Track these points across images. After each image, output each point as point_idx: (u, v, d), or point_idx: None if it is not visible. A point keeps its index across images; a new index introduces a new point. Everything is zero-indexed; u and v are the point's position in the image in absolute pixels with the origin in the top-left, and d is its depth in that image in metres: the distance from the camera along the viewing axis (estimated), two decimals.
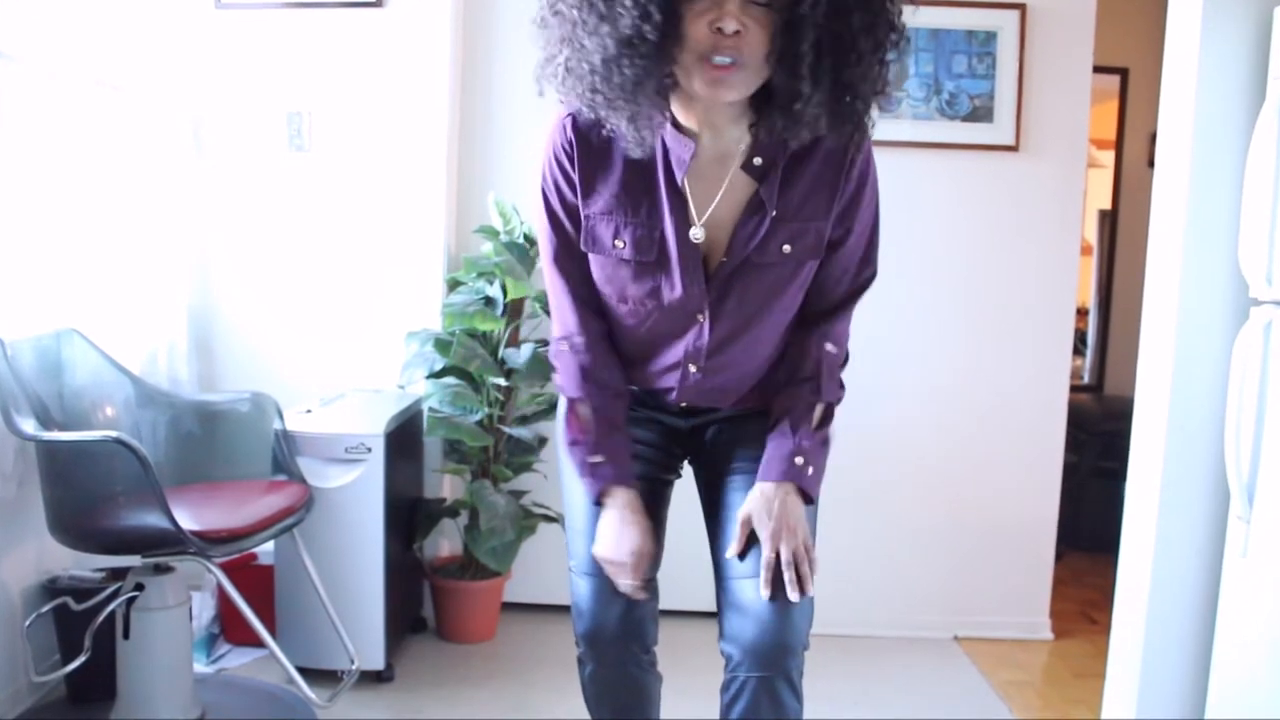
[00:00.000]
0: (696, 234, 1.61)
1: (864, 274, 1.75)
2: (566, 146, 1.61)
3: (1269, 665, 2.12)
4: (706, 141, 1.58)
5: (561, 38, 1.46)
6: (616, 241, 1.63)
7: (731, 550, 1.67)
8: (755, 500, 1.67)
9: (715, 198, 1.61)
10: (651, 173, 1.60)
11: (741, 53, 1.41)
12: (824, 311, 1.74)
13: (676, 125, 1.58)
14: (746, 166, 1.60)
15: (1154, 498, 2.43)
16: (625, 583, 1.68)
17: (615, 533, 1.68)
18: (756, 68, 1.43)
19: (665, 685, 1.92)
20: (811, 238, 1.64)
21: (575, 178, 1.63)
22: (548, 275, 1.75)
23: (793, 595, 1.60)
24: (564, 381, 1.77)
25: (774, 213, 1.60)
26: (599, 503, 1.73)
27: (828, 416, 1.74)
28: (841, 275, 1.72)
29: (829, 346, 1.74)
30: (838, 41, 1.40)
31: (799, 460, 1.68)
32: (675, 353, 1.73)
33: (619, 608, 1.74)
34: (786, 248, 1.63)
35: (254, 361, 3.37)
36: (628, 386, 1.79)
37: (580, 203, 1.64)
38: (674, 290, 1.65)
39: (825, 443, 1.74)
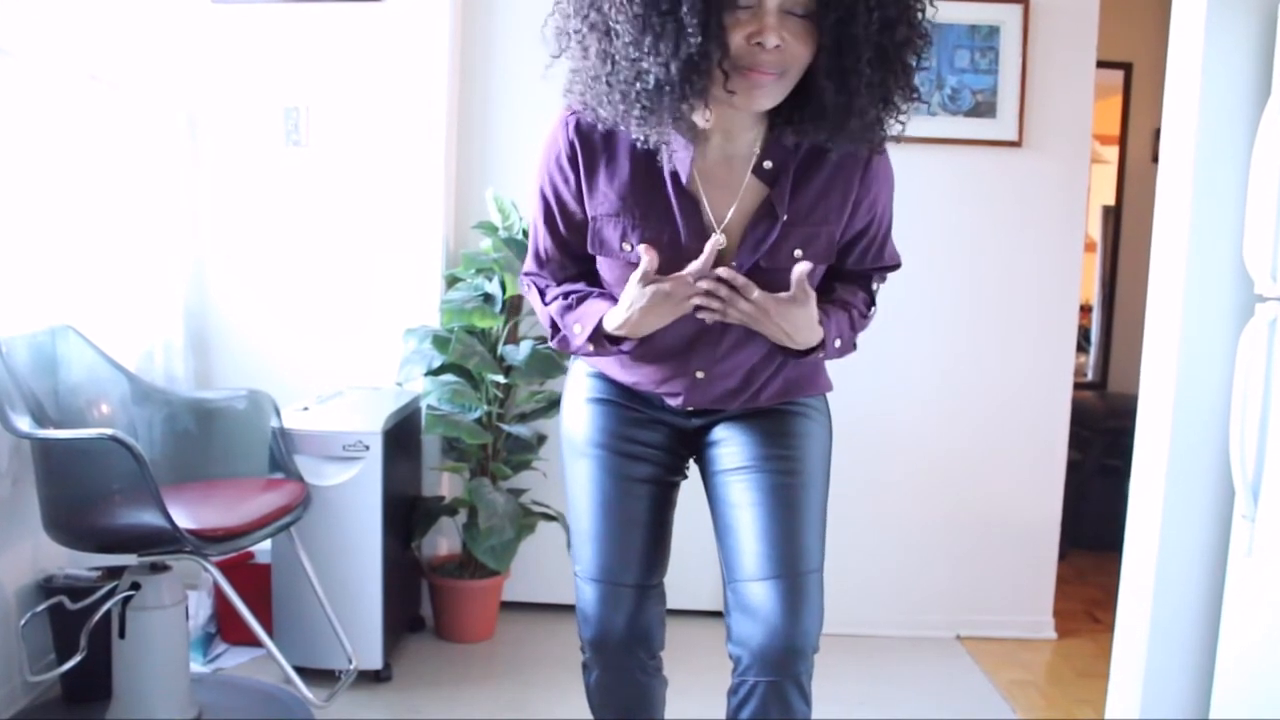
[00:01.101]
0: (719, 239, 1.56)
1: (887, 258, 1.77)
2: (569, 149, 1.59)
3: (1274, 664, 2.10)
4: (716, 143, 1.56)
5: (602, 53, 1.42)
6: (624, 244, 1.60)
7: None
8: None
9: (730, 202, 1.58)
10: (659, 174, 1.57)
11: (783, 65, 1.41)
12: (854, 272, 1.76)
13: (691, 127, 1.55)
14: (757, 170, 1.57)
15: (1158, 496, 2.42)
16: (687, 286, 1.50)
17: (638, 293, 1.54)
18: (794, 79, 1.43)
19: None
20: (823, 242, 1.63)
21: (577, 181, 1.60)
22: (527, 270, 1.77)
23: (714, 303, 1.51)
24: (536, 309, 1.76)
25: (785, 217, 1.58)
26: (611, 338, 1.63)
27: (861, 313, 1.74)
28: (860, 260, 1.73)
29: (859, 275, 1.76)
30: (884, 57, 1.41)
31: (834, 327, 1.64)
32: (683, 358, 1.71)
33: (625, 613, 1.74)
34: (798, 252, 1.61)
35: (251, 358, 3.35)
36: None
37: (585, 205, 1.62)
38: None
39: (853, 328, 1.71)
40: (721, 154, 1.57)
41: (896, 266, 1.80)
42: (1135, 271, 4.47)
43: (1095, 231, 4.83)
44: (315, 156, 3.33)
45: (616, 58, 1.40)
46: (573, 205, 1.63)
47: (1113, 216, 4.83)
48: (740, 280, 1.50)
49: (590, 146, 1.58)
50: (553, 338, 1.73)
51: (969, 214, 3.39)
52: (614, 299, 1.64)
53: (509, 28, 3.37)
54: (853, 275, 1.76)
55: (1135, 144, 4.72)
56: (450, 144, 3.37)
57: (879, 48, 1.40)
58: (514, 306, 3.18)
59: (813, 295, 1.54)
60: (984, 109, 3.32)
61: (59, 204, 2.71)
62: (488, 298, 3.16)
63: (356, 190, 3.34)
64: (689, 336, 1.68)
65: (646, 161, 1.57)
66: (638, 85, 1.40)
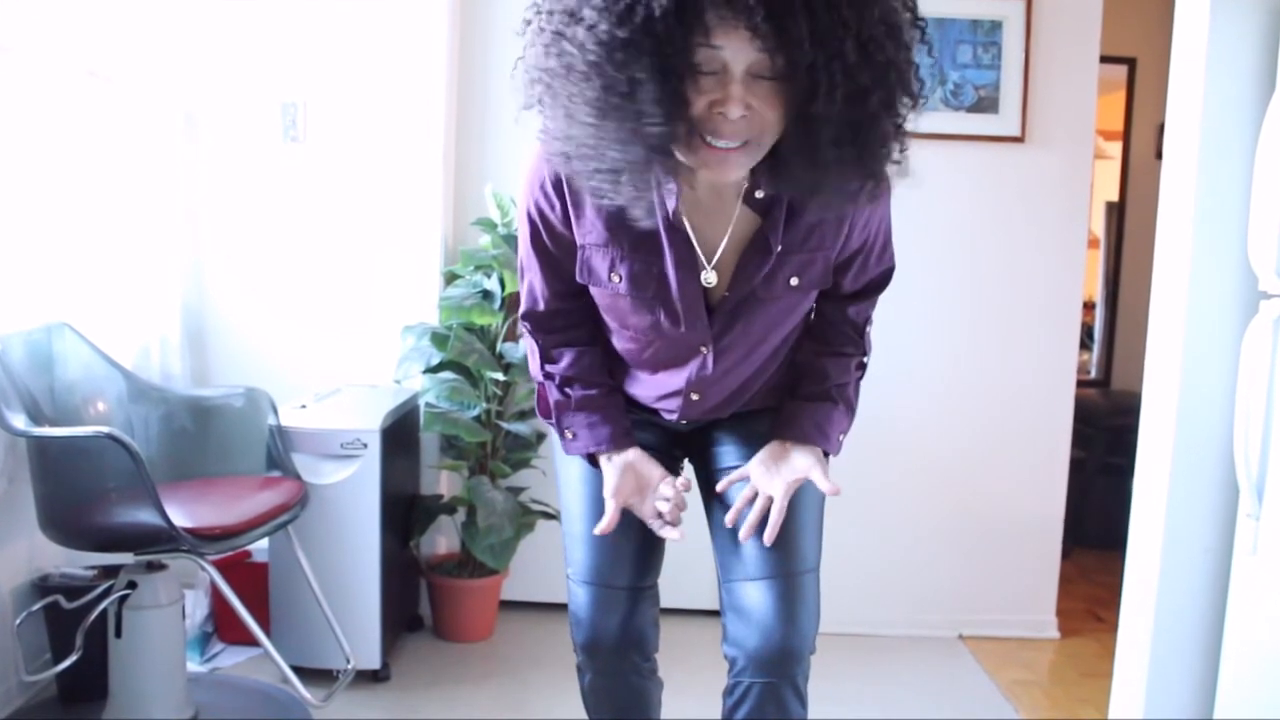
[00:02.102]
0: (709, 278, 1.55)
1: (885, 262, 1.72)
2: (553, 175, 1.53)
3: (1279, 664, 2.08)
4: (704, 176, 1.46)
5: (563, 122, 1.33)
6: (613, 275, 1.57)
7: (729, 519, 1.66)
8: (761, 455, 1.68)
9: (722, 234, 1.53)
10: (647, 204, 1.50)
11: (750, 133, 1.31)
12: (848, 295, 1.72)
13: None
14: (748, 199, 1.52)
15: (1162, 494, 2.40)
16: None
17: (613, 484, 1.66)
18: (764, 144, 1.34)
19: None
20: (819, 267, 1.59)
21: (563, 206, 1.55)
22: (521, 313, 1.74)
23: (741, 534, 1.62)
24: (530, 363, 1.77)
25: (779, 248, 1.54)
26: (593, 463, 1.71)
27: (859, 377, 1.76)
28: (860, 273, 1.68)
29: (852, 313, 1.73)
30: (856, 129, 1.30)
31: (820, 427, 1.69)
32: (677, 380, 1.69)
33: (618, 617, 1.71)
34: (794, 281, 1.57)
35: (248, 356, 3.34)
36: (601, 368, 1.74)
37: (573, 230, 1.57)
38: (675, 325, 1.60)
39: (852, 409, 1.75)
40: (711, 185, 1.51)
41: (889, 271, 1.74)
42: (1139, 268, 4.46)
43: (1098, 228, 4.82)
44: (313, 152, 3.32)
45: (577, 135, 1.33)
46: (560, 228, 1.58)
47: (1116, 212, 4.82)
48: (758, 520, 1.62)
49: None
50: (540, 409, 1.78)
51: (971, 210, 3.37)
52: (606, 415, 1.70)
53: (508, 21, 3.29)
54: (845, 323, 1.73)
55: (1139, 139, 4.70)
56: (449, 140, 3.36)
57: (849, 122, 1.29)
58: (513, 303, 3.16)
59: (804, 466, 1.64)
60: (986, 104, 3.30)
61: (56, 200, 2.70)
62: (486, 294, 3.14)
63: (354, 186, 3.33)
64: (683, 365, 1.67)
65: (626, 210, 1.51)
66: (594, 164, 1.33)
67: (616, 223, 1.52)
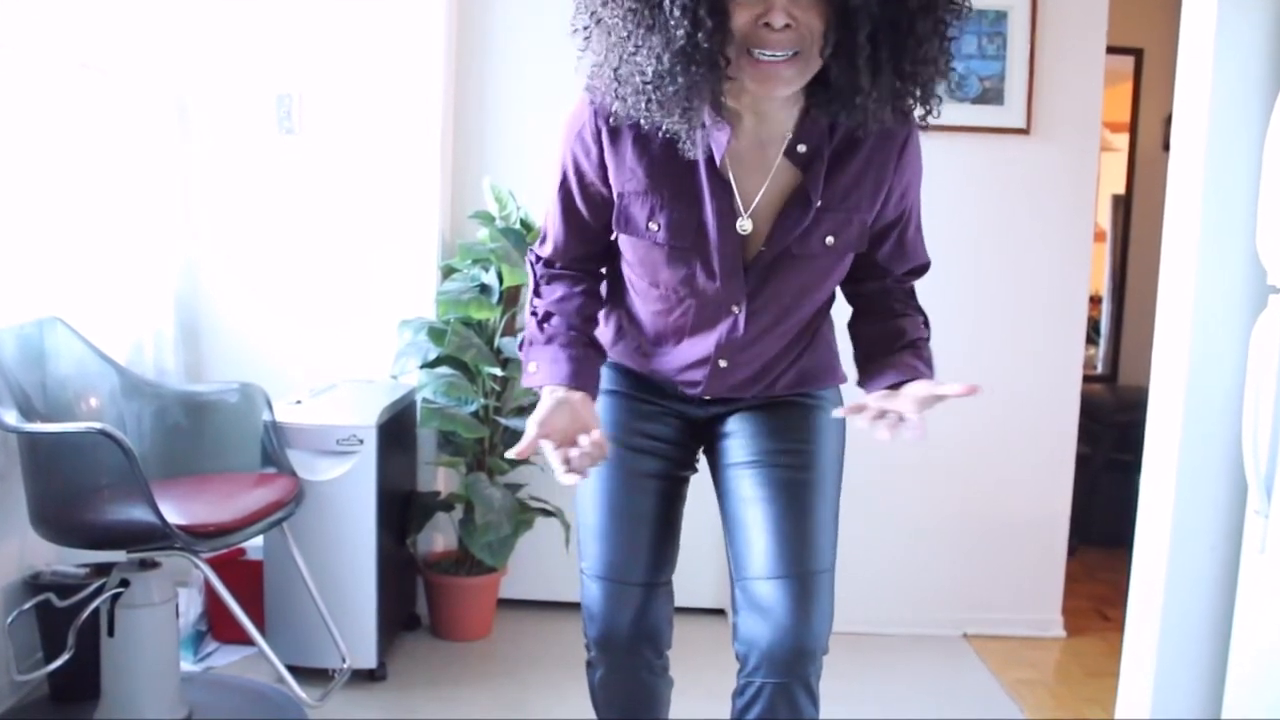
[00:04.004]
0: (744, 225, 1.55)
1: (920, 252, 1.78)
2: (593, 123, 1.54)
3: None
4: (749, 125, 1.51)
5: (606, 48, 1.39)
6: (651, 224, 1.57)
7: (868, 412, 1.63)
8: (875, 397, 1.66)
9: (760, 186, 1.54)
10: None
11: (796, 44, 1.34)
12: (894, 277, 1.76)
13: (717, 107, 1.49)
14: (790, 153, 1.53)
15: (1169, 491, 2.38)
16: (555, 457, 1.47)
17: (544, 413, 1.53)
18: (812, 57, 1.36)
19: None
20: (855, 229, 1.60)
21: (600, 154, 1.56)
22: (534, 246, 1.74)
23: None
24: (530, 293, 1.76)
25: (819, 203, 1.54)
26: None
27: (928, 337, 1.81)
28: (897, 252, 1.72)
29: (900, 282, 1.78)
30: (894, 29, 1.33)
31: (915, 367, 1.72)
32: (706, 345, 1.68)
33: (632, 612, 1.71)
34: (829, 239, 1.58)
35: (242, 351, 3.32)
36: (585, 317, 1.70)
37: (610, 180, 1.57)
38: (709, 279, 1.60)
39: (932, 365, 1.77)
40: (754, 136, 1.52)
41: (926, 266, 1.81)
42: (1146, 262, 4.41)
43: (1105, 221, 4.79)
44: (308, 144, 3.29)
45: (619, 53, 1.37)
46: (591, 177, 1.59)
47: (1123, 206, 4.80)
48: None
49: (615, 127, 1.53)
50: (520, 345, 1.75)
51: (976, 203, 3.34)
52: (571, 353, 1.63)
53: (507, 12, 3.33)
54: (896, 291, 1.77)
55: (1146, 131, 4.68)
56: (446, 132, 3.33)
57: (888, 21, 1.33)
58: (511, 298, 3.14)
59: (925, 387, 1.64)
60: (991, 96, 3.27)
61: (48, 193, 2.68)
62: (484, 289, 3.12)
63: (350, 179, 3.31)
64: (713, 328, 1.66)
65: (677, 140, 1.52)
66: (637, 79, 1.36)
67: (659, 170, 1.53)
